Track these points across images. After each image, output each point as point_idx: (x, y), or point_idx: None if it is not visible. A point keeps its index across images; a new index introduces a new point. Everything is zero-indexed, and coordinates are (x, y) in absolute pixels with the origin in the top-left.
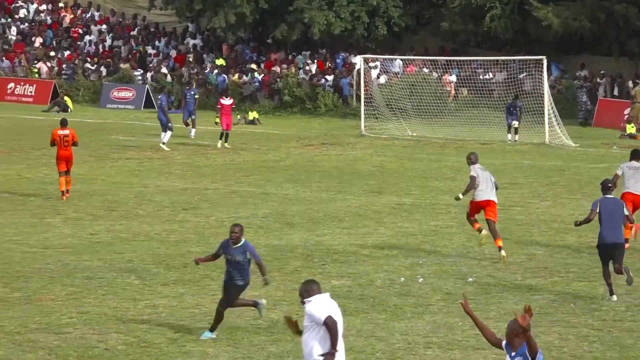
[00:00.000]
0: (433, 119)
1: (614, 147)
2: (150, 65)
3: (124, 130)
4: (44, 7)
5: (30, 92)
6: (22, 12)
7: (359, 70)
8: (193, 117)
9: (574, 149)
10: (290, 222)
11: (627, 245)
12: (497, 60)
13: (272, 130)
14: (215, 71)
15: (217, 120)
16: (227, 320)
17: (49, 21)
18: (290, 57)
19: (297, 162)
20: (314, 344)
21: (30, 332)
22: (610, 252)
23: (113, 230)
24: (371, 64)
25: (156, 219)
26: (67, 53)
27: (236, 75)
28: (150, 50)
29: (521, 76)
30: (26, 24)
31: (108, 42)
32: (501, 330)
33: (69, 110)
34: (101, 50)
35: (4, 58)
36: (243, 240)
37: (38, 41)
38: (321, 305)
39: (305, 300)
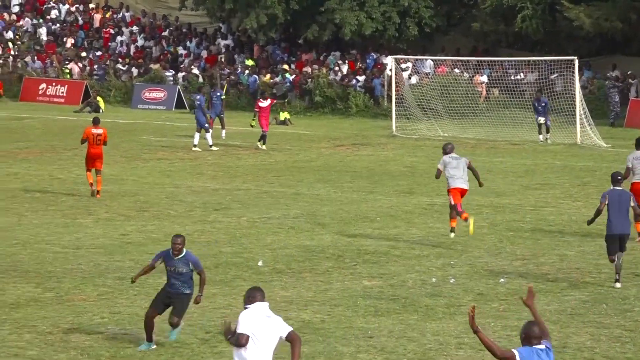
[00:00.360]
0: (464, 119)
1: None
2: (182, 66)
3: (155, 130)
4: (75, 7)
5: (62, 92)
6: (54, 13)
7: (390, 71)
8: (222, 115)
9: (605, 149)
10: (322, 223)
11: (637, 239)
12: (529, 61)
13: (303, 131)
14: (247, 72)
15: (253, 123)
16: None
17: (81, 22)
18: (321, 57)
19: (328, 162)
20: (238, 352)
21: (62, 332)
22: (617, 242)
23: (145, 230)
24: (403, 65)
25: (188, 219)
26: (98, 54)
27: (267, 76)
28: (181, 51)
29: (552, 77)
30: (58, 25)
31: (139, 42)
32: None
33: (101, 110)
34: (132, 50)
35: (35, 59)
36: (185, 251)
37: (69, 42)
38: (251, 316)
39: (245, 306)
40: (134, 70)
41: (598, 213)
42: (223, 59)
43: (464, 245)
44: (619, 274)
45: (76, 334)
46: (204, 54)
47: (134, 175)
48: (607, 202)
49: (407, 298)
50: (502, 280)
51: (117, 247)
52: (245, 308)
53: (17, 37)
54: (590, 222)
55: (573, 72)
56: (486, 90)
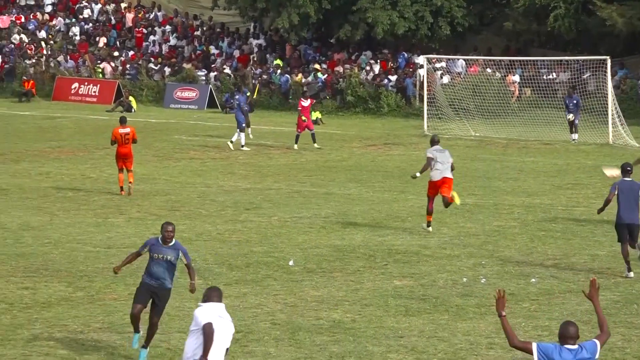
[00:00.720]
0: (496, 119)
1: None
2: (214, 65)
3: (187, 130)
4: (108, 7)
5: (94, 92)
6: (86, 12)
7: (422, 70)
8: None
9: (637, 149)
10: (353, 222)
11: None
12: (561, 60)
13: (334, 130)
14: (278, 71)
15: (305, 118)
16: (290, 320)
17: (113, 21)
18: (353, 57)
19: (359, 162)
20: (197, 347)
21: (93, 331)
22: (627, 231)
23: (176, 230)
24: (437, 65)
25: (219, 218)
26: (130, 53)
27: (299, 76)
28: (213, 50)
29: (585, 76)
30: (90, 24)
31: (172, 42)
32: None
33: (133, 110)
34: (165, 50)
35: (68, 58)
36: (174, 240)
37: (102, 41)
38: (207, 312)
39: (199, 303)
40: (167, 70)
41: (607, 202)
42: (255, 59)
43: (495, 245)
44: (629, 263)
45: (107, 333)
46: (236, 53)
47: (166, 175)
48: (616, 192)
49: (437, 298)
50: (533, 280)
51: None
52: (199, 306)
53: (50, 36)
54: (600, 210)
55: (605, 72)
56: (518, 90)
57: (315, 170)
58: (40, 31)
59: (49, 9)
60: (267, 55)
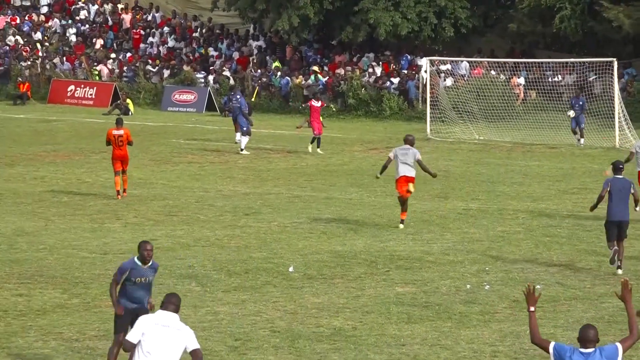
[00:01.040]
0: (500, 122)
1: None
2: (212, 67)
3: (185, 133)
4: (105, 7)
5: (91, 94)
6: (83, 14)
7: (425, 73)
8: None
9: None
10: (354, 228)
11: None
12: (567, 63)
13: (335, 134)
14: (279, 74)
15: (309, 120)
16: (289, 328)
17: (110, 23)
18: (354, 59)
19: (361, 166)
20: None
21: (89, 339)
22: (616, 229)
23: (173, 235)
24: (442, 67)
25: (217, 224)
26: (128, 55)
27: (300, 78)
28: (212, 52)
29: (591, 79)
30: (87, 26)
31: (170, 44)
32: (572, 340)
33: (130, 113)
34: (163, 52)
35: (64, 60)
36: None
37: (99, 43)
38: (144, 322)
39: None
40: (165, 72)
41: (600, 199)
42: (255, 61)
43: (499, 251)
44: (621, 261)
45: (103, 341)
46: (236, 55)
47: (163, 179)
48: (609, 189)
49: (440, 305)
50: (538, 286)
51: None
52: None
53: (45, 38)
54: (593, 207)
55: (612, 74)
56: (523, 93)
57: (315, 174)
58: (35, 33)
59: (44, 10)
60: (267, 58)
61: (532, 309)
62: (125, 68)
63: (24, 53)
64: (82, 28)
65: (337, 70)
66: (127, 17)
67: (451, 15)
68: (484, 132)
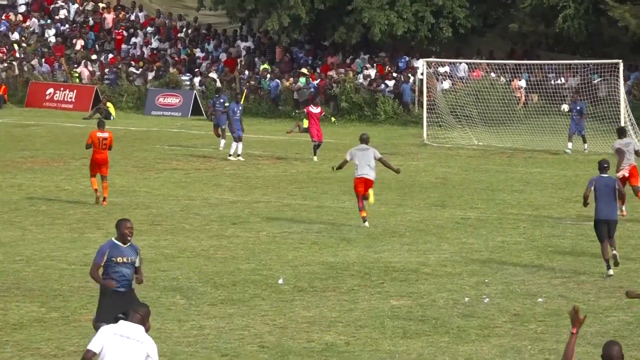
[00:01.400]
0: (501, 127)
1: None
2: (198, 69)
3: (170, 139)
4: (86, 6)
5: (71, 98)
6: (63, 13)
7: (422, 75)
8: (223, 127)
9: None
10: (347, 238)
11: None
12: (570, 64)
13: (327, 139)
14: (268, 76)
15: (306, 124)
16: (279, 343)
17: (91, 22)
18: (347, 60)
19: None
20: None
21: (68, 355)
22: (605, 228)
23: (157, 246)
24: (440, 69)
25: (203, 234)
26: (110, 56)
27: (290, 80)
28: (198, 54)
29: (595, 81)
30: (67, 26)
31: (154, 44)
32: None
33: (112, 117)
34: (146, 53)
35: (43, 62)
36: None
37: (79, 44)
38: (105, 332)
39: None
40: (150, 74)
41: (585, 198)
42: (243, 62)
43: (499, 263)
44: (613, 260)
45: None
46: (223, 56)
47: (147, 187)
48: (593, 188)
49: (437, 319)
50: (540, 300)
51: None
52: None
53: (23, 38)
54: (585, 204)
55: (617, 77)
56: (524, 96)
57: (306, 181)
58: (13, 33)
59: (22, 9)
60: (256, 59)
61: (574, 331)
62: (106, 70)
63: (1, 54)
64: (62, 28)
65: (329, 72)
66: (109, 17)
67: (449, 15)
68: (483, 137)
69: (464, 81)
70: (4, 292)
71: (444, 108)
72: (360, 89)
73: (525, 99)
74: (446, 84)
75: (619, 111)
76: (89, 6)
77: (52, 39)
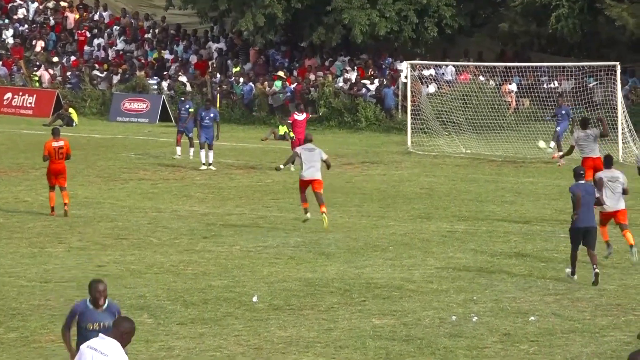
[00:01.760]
0: (490, 134)
1: None
2: (166, 72)
3: (137, 146)
4: (46, 4)
5: (30, 103)
6: (21, 12)
7: (405, 78)
8: (190, 135)
9: None
10: (326, 252)
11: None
12: (564, 67)
13: None
14: (241, 80)
15: (292, 134)
16: None
17: (52, 22)
18: (326, 63)
19: (333, 183)
20: None
21: None
22: (583, 236)
23: (123, 261)
24: (425, 72)
25: (172, 248)
26: (72, 59)
27: (265, 84)
28: (167, 56)
29: (591, 85)
30: (25, 26)
31: (119, 46)
32: None
33: (74, 123)
34: (111, 55)
35: (0, 65)
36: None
37: (39, 45)
38: (84, 350)
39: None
40: (115, 78)
41: (578, 200)
42: (214, 65)
43: (489, 279)
44: (593, 278)
45: None
46: (193, 59)
47: (112, 198)
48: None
49: (422, 339)
50: (532, 318)
51: None
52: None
53: None
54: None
55: (614, 80)
56: (515, 101)
57: (282, 192)
58: None
59: None
60: (229, 61)
61: None
62: (68, 73)
63: None
64: (21, 28)
65: (307, 76)
66: (71, 16)
67: (435, 14)
68: (471, 145)
69: (450, 85)
70: None
71: (430, 114)
72: (340, 93)
73: (516, 104)
74: (432, 88)
75: (616, 117)
76: (50, 5)
77: (10, 40)
